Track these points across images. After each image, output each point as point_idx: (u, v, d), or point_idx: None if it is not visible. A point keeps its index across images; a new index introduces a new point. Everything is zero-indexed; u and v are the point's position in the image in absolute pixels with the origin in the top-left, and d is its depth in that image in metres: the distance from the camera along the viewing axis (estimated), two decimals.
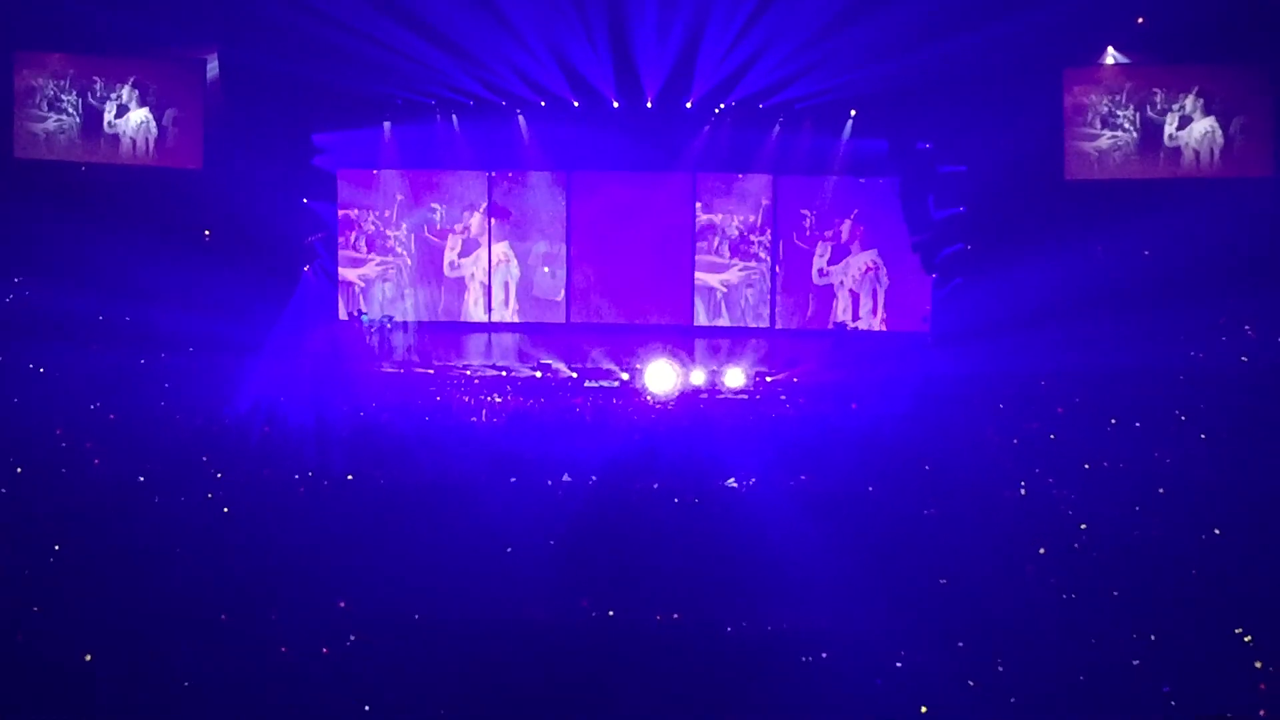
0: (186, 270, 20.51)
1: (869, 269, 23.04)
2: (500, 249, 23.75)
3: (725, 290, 23.44)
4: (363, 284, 23.72)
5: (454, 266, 23.74)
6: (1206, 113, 20.32)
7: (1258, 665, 10.24)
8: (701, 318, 23.50)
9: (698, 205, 23.46)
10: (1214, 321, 19.17)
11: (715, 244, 23.43)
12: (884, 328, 22.90)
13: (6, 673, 10.93)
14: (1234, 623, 10.63)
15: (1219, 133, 20.27)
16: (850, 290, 23.08)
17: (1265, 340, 18.57)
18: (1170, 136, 20.47)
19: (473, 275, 23.77)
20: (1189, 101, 20.41)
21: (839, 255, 23.13)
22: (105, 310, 20.08)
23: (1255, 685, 9.82)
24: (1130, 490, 13.85)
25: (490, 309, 23.72)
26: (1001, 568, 12.29)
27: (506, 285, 23.78)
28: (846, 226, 23.08)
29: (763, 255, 23.36)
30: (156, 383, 18.28)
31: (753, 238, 23.35)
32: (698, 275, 23.48)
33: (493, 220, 23.66)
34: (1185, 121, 20.41)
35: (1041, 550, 12.74)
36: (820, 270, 23.22)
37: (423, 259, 23.76)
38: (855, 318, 22.98)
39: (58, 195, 21.02)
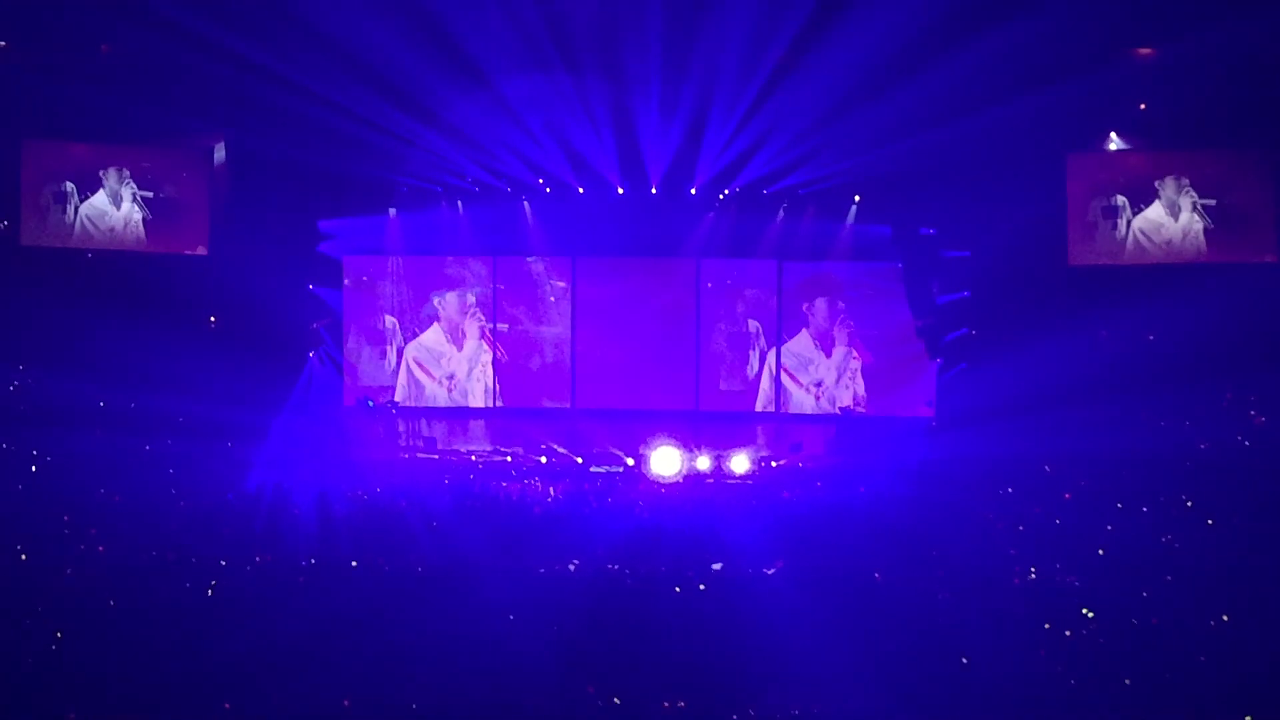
0: (191, 356, 20.60)
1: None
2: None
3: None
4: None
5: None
6: (1210, 197, 20.42)
7: None
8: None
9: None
10: (1219, 406, 19.18)
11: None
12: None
13: None
14: (1243, 710, 10.53)
15: (1222, 217, 20.36)
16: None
17: (1272, 424, 18.56)
18: (1173, 221, 20.55)
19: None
20: (1191, 186, 20.51)
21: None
22: (109, 396, 20.08)
23: None
24: (1138, 576, 13.75)
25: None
26: (1009, 654, 12.18)
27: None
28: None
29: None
30: (161, 469, 18.26)
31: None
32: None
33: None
34: (1188, 206, 20.50)
35: (1048, 631, 12.65)
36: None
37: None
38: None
39: (64, 282, 21.19)
